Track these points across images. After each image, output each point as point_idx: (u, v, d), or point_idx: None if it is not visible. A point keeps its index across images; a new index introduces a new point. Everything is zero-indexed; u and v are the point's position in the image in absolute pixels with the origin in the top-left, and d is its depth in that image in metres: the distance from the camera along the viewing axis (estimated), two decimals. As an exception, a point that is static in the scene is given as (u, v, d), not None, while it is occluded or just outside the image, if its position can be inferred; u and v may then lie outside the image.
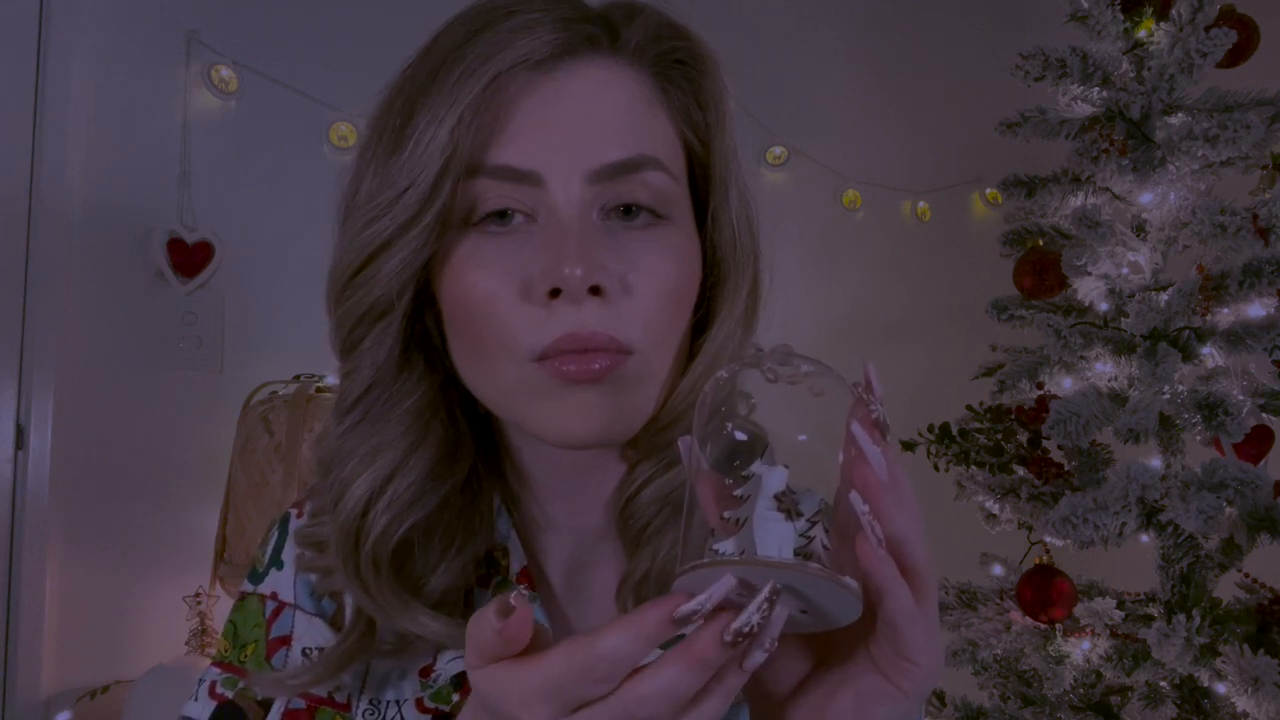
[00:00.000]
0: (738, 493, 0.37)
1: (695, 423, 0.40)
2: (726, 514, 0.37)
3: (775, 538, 0.36)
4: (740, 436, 0.39)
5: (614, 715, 0.35)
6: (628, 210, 0.50)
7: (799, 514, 0.36)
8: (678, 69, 0.54)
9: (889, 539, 0.38)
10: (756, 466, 0.37)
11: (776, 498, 0.36)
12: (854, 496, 0.38)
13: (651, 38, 0.53)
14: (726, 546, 0.36)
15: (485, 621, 0.36)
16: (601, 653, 0.34)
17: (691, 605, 0.34)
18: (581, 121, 0.50)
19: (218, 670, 0.59)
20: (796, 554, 0.35)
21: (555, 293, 0.47)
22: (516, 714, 0.36)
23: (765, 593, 0.34)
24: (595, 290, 0.47)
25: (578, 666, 0.35)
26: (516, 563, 0.58)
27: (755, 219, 0.57)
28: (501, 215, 0.50)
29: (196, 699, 0.59)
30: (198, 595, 1.68)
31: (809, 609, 0.37)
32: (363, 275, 0.51)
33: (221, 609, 1.69)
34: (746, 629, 0.34)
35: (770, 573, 0.35)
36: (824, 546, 0.36)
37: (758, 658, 0.36)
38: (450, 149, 0.48)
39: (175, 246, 1.77)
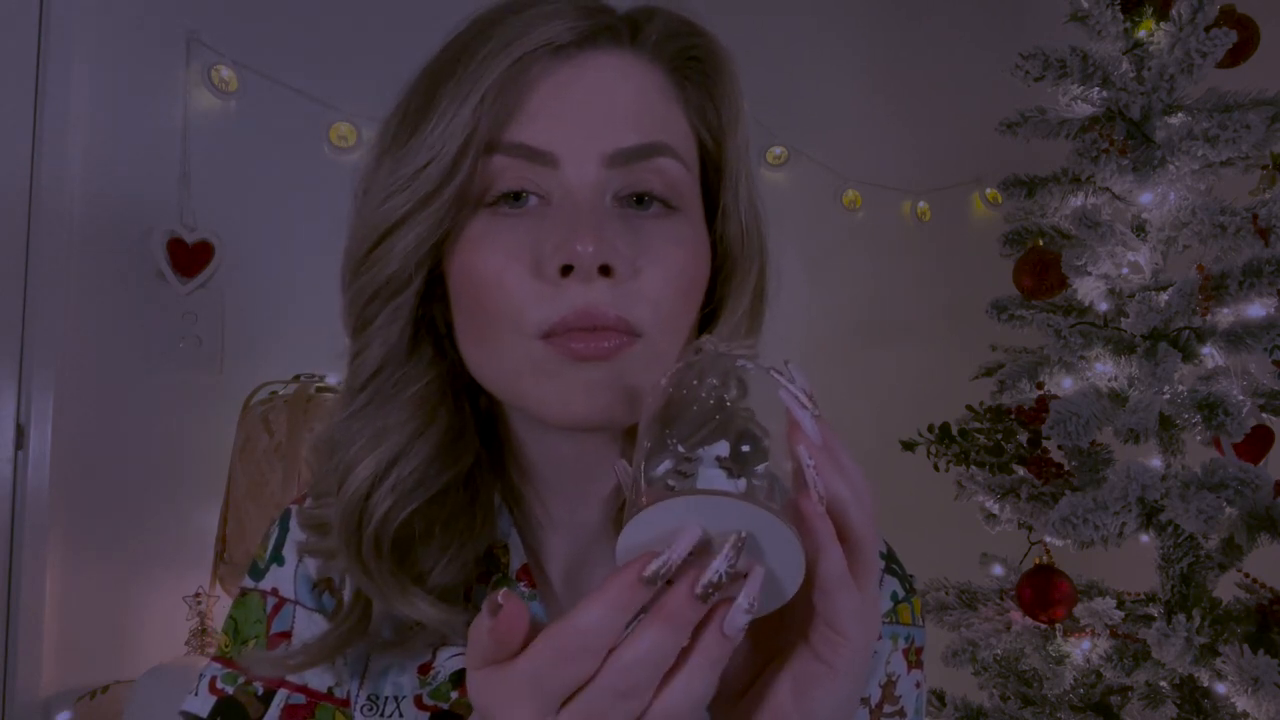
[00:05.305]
0: (683, 469, 0.38)
1: (643, 416, 0.40)
2: (671, 482, 0.38)
3: (719, 486, 0.37)
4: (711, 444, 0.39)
5: (599, 695, 0.35)
6: (640, 200, 0.51)
7: (740, 474, 0.37)
8: (694, 65, 0.55)
9: (827, 501, 0.38)
10: (702, 450, 0.38)
11: (717, 458, 0.37)
12: (800, 450, 0.38)
13: (669, 34, 0.54)
14: None
15: (479, 623, 0.37)
16: (580, 627, 0.34)
17: (658, 561, 0.34)
18: (599, 105, 0.50)
19: (218, 666, 0.60)
20: None
21: (566, 270, 0.47)
22: (501, 714, 0.36)
23: (732, 541, 0.35)
24: (605, 271, 0.47)
25: (556, 650, 0.35)
26: (517, 560, 0.58)
27: (764, 217, 0.58)
28: (516, 197, 0.50)
29: (196, 694, 0.59)
30: (198, 595, 1.68)
31: (756, 562, 0.37)
32: (378, 251, 0.52)
33: (221, 609, 1.69)
34: (716, 579, 0.34)
35: (716, 502, 0.35)
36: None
37: (738, 619, 0.36)
38: (472, 126, 0.49)
39: (175, 246, 1.77)
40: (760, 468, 0.38)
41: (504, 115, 0.50)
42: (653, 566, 0.34)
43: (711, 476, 0.37)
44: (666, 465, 0.38)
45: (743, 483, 0.37)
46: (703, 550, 0.36)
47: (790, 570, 0.37)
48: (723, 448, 0.37)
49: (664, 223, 0.51)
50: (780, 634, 0.42)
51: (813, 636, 0.39)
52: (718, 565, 0.34)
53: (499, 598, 0.36)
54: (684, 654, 0.36)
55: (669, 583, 0.36)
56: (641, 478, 0.38)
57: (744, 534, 0.35)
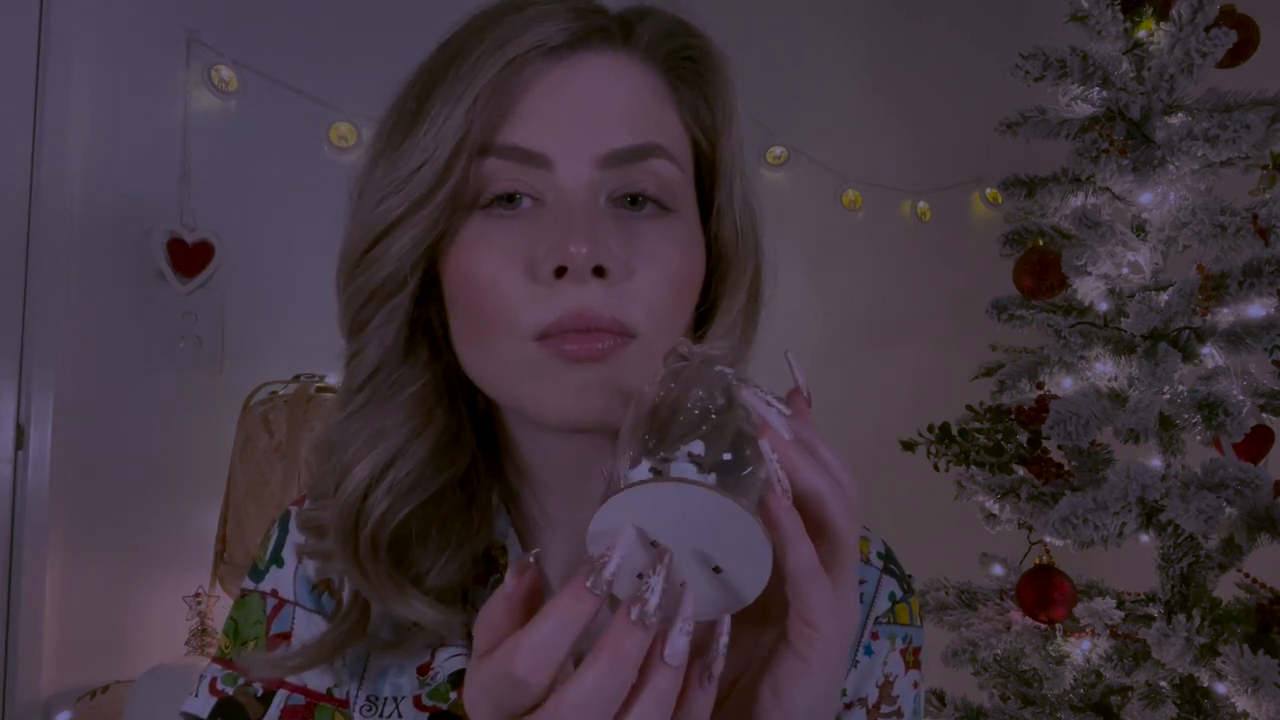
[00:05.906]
0: (659, 466, 0.38)
1: (625, 420, 0.40)
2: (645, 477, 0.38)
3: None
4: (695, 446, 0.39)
5: None
6: (634, 200, 0.51)
7: (711, 469, 0.37)
8: (688, 66, 0.55)
9: (799, 495, 0.38)
10: (679, 449, 0.38)
11: (689, 454, 0.37)
12: (764, 444, 0.38)
13: (663, 35, 0.54)
14: None
15: (495, 598, 0.37)
16: (524, 648, 0.34)
17: (595, 573, 0.34)
18: (592, 107, 0.50)
19: (218, 667, 0.60)
20: None
21: (560, 272, 0.47)
22: (470, 714, 0.36)
23: (666, 559, 0.35)
24: (599, 271, 0.47)
25: (502, 671, 0.34)
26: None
27: (758, 217, 0.58)
28: (510, 199, 0.50)
29: (197, 695, 0.59)
30: (198, 595, 1.68)
31: (721, 560, 0.37)
32: (373, 253, 0.52)
33: (221, 609, 1.69)
34: (655, 601, 0.34)
35: (681, 492, 0.35)
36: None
37: (678, 643, 0.35)
38: (465, 128, 0.49)
39: (175, 246, 1.77)
40: (747, 470, 0.38)
41: (497, 117, 0.50)
42: (595, 578, 0.34)
43: (683, 471, 0.37)
44: (644, 464, 0.38)
45: (713, 477, 0.36)
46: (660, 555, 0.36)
47: (758, 565, 0.37)
48: (697, 445, 0.37)
49: (658, 223, 0.51)
50: (762, 634, 0.42)
51: (789, 632, 0.39)
52: (650, 584, 0.34)
53: (529, 557, 0.37)
54: (635, 689, 0.35)
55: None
56: (622, 478, 0.38)
57: (671, 551, 0.35)
